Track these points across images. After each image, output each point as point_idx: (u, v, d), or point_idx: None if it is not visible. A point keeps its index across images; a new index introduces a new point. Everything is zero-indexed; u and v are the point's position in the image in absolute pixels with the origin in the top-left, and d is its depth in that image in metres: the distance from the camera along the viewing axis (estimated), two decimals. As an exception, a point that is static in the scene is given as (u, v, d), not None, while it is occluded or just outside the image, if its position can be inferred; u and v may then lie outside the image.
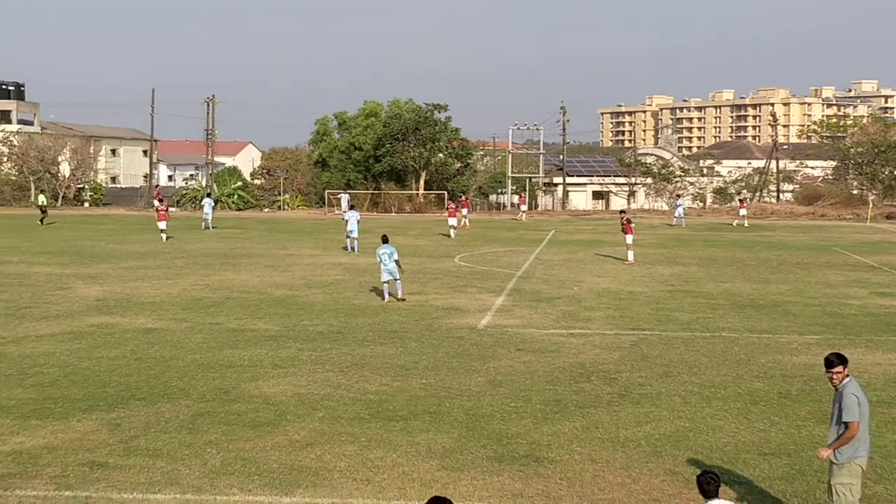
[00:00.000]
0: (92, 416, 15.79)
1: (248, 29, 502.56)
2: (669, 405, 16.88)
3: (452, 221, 55.45)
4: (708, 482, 9.60)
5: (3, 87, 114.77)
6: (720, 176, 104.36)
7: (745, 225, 67.11)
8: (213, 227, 57.81)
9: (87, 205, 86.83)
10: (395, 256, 29.08)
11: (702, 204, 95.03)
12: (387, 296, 28.89)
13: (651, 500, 12.36)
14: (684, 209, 72.51)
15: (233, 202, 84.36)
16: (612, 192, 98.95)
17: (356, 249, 43.76)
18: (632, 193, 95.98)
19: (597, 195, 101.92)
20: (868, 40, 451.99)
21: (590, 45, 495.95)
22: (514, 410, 16.44)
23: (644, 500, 12.36)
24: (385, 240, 29.85)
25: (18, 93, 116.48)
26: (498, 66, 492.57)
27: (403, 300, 28.65)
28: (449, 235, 54.11)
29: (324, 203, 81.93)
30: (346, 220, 45.87)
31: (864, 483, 11.10)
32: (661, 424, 15.67)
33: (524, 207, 77.66)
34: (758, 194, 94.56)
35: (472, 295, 30.40)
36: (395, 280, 29.05)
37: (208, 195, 64.31)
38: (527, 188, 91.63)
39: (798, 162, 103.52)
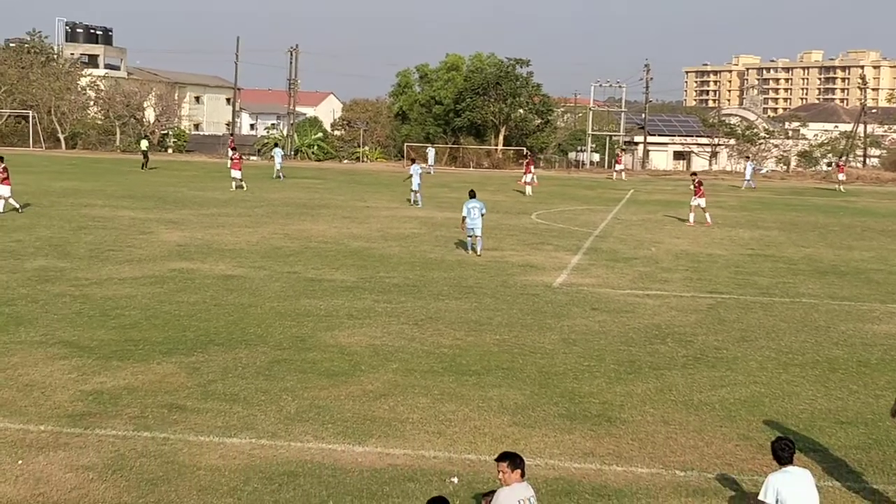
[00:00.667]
0: (171, 360, 16.10)
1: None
2: (745, 370, 16.71)
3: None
4: (783, 448, 9.53)
5: (92, 31, 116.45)
6: (805, 139, 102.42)
7: (842, 190, 65.82)
8: (283, 177, 58.15)
9: (170, 151, 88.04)
10: (484, 211, 29.17)
11: (786, 167, 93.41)
12: (470, 250, 28.95)
13: (724, 464, 12.28)
14: (753, 171, 71.05)
15: (313, 153, 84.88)
16: (693, 152, 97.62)
17: (419, 202, 44.03)
18: (714, 154, 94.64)
19: (678, 155, 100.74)
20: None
21: (676, 1, 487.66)
22: (587, 369, 16.41)
23: (717, 464, 12.28)
24: (473, 194, 29.77)
25: (106, 37, 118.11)
26: (582, 22, 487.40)
27: (480, 256, 28.69)
28: (524, 192, 53.72)
29: (402, 156, 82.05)
30: (411, 175, 45.69)
31: None
32: (737, 389, 15.52)
33: (620, 167, 75.62)
34: (844, 158, 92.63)
35: (548, 252, 30.30)
36: (478, 236, 29.07)
37: (276, 145, 64.49)
38: (606, 146, 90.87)
39: (886, 127, 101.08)
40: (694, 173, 47.73)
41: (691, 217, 40.27)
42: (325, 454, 12.17)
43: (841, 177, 68.48)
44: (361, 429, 13.08)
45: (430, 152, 74.21)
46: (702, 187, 40.79)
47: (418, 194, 44.52)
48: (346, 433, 12.90)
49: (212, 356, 16.42)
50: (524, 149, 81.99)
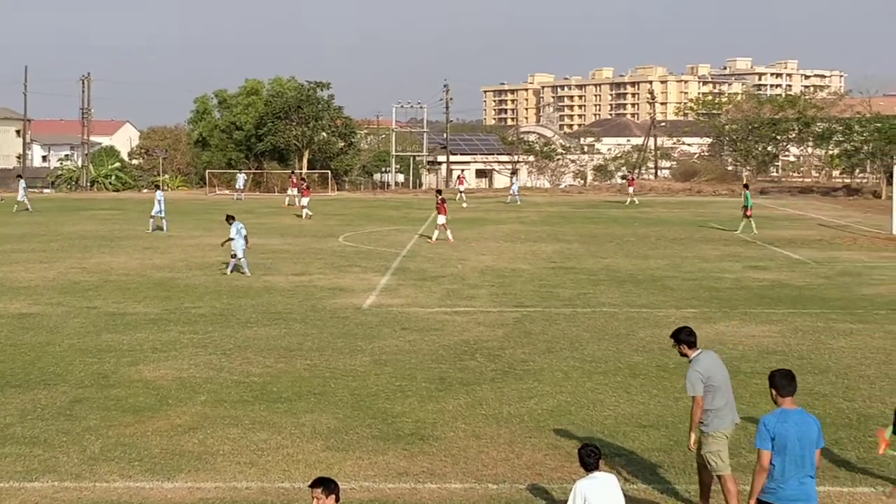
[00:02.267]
0: (-36, 405, 15.32)
1: (123, 3, 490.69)
2: (552, 380, 17.14)
3: (304, 201, 53.19)
4: (589, 455, 9.79)
5: None
6: (600, 153, 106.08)
7: (636, 202, 67.71)
8: (29, 209, 54.87)
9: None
10: (244, 232, 30.07)
11: (583, 181, 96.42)
12: (231, 270, 29.89)
13: (534, 474, 12.55)
14: (518, 187, 71.66)
15: (110, 183, 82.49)
16: (495, 170, 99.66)
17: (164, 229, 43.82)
18: (514, 172, 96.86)
19: (480, 173, 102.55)
20: (742, 19, 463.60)
21: (473, 22, 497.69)
22: (399, 389, 16.50)
23: (527, 474, 12.54)
24: (232, 219, 30.54)
25: None
26: (381, 44, 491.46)
27: (249, 275, 29.42)
28: (301, 216, 51.87)
29: (205, 183, 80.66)
30: (159, 201, 45.13)
31: (731, 450, 11.42)
32: (544, 399, 15.90)
33: (462, 188, 72.07)
34: (636, 171, 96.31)
35: (356, 274, 30.35)
36: (241, 258, 29.87)
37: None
38: (410, 166, 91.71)
39: (675, 139, 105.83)
40: (439, 191, 46.46)
41: (435, 234, 40.25)
42: (133, 493, 11.82)
43: (631, 189, 70.27)
44: (170, 464, 12.77)
45: (240, 178, 73.01)
46: (445, 204, 40.85)
47: (163, 220, 44.24)
48: (154, 470, 12.56)
49: (8, 398, 15.72)
50: (328, 171, 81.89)
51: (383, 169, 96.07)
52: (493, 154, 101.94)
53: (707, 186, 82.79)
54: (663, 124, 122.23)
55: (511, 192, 69.80)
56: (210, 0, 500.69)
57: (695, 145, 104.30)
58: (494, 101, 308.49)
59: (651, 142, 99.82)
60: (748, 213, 44.64)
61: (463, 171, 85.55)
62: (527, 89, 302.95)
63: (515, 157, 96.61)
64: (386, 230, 45.97)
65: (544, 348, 19.71)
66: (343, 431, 14.18)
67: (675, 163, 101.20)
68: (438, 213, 40.73)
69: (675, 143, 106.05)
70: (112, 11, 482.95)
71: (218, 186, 79.85)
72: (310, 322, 22.38)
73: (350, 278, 29.49)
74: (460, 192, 70.77)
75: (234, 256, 29.92)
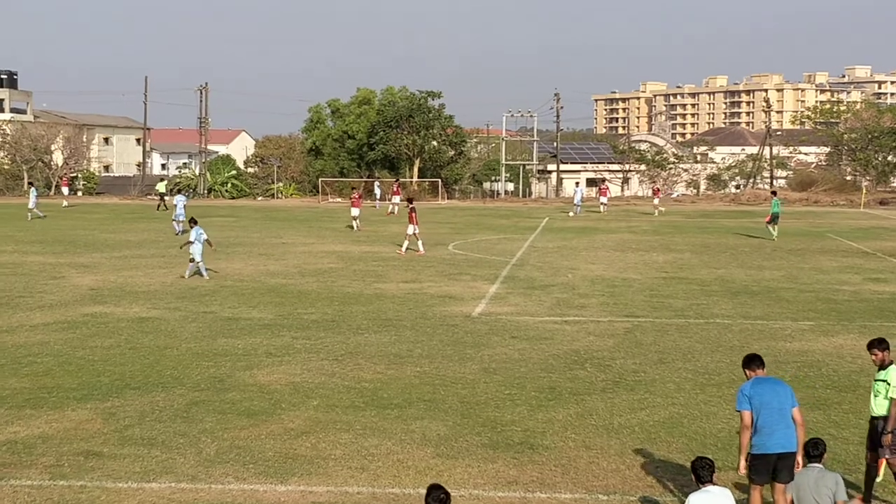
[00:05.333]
0: (86, 406, 15.79)
1: (241, 16, 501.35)
2: (664, 392, 16.92)
3: (355, 212, 49.95)
4: (702, 467, 9.64)
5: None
6: (714, 162, 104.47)
7: (663, 210, 65.63)
8: (41, 215, 55.31)
9: (80, 193, 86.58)
10: (205, 237, 30.92)
11: (695, 191, 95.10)
12: (190, 274, 30.64)
13: (646, 486, 12.40)
14: (581, 196, 67.92)
15: (226, 191, 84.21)
16: (605, 179, 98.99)
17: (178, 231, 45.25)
18: (626, 180, 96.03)
19: (591, 182, 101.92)
20: (862, 26, 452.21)
21: (584, 32, 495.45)
22: (508, 398, 16.47)
23: (639, 486, 12.39)
24: (194, 223, 31.88)
25: (11, 81, 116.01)
26: (492, 54, 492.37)
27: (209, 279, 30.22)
28: (352, 227, 49.40)
29: (317, 191, 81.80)
30: (175, 205, 47.04)
31: None
32: (656, 411, 15.70)
33: (604, 199, 69.05)
34: (751, 181, 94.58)
35: (466, 283, 30.41)
36: (199, 261, 30.74)
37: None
38: (520, 175, 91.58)
39: (791, 148, 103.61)
40: (409, 200, 44.12)
41: (404, 245, 38.85)
42: (247, 495, 12.02)
43: (656, 201, 68.01)
44: (283, 467, 12.95)
45: (377, 188, 71.90)
46: (415, 213, 39.38)
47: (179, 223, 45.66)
48: (268, 473, 12.76)
49: (128, 401, 16.14)
50: (438, 180, 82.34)
51: (493, 178, 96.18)
52: (603, 163, 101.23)
53: (825, 196, 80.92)
54: (779, 133, 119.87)
55: (575, 202, 66.16)
56: (323, 16, 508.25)
57: (812, 154, 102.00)
58: (605, 109, 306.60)
59: (767, 151, 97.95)
60: (767, 220, 45.93)
61: (604, 180, 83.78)
62: (638, 98, 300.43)
63: (627, 166, 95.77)
64: (495, 238, 45.98)
65: (656, 359, 19.47)
66: (453, 439, 14.20)
67: (791, 172, 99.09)
68: (409, 222, 38.99)
69: (791, 153, 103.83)
70: (229, 23, 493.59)
71: (331, 195, 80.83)
72: (420, 329, 22.49)
73: (460, 286, 29.57)
74: (602, 203, 68.14)
75: (192, 261, 30.78)
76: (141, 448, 13.70)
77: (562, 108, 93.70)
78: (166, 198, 65.91)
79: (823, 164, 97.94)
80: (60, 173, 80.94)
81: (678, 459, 13.21)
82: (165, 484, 12.34)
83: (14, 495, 11.94)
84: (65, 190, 72.13)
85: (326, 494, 12.05)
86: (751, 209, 70.50)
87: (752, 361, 11.30)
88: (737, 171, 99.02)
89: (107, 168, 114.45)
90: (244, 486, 12.32)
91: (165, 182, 72.98)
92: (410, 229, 38.90)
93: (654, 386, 17.33)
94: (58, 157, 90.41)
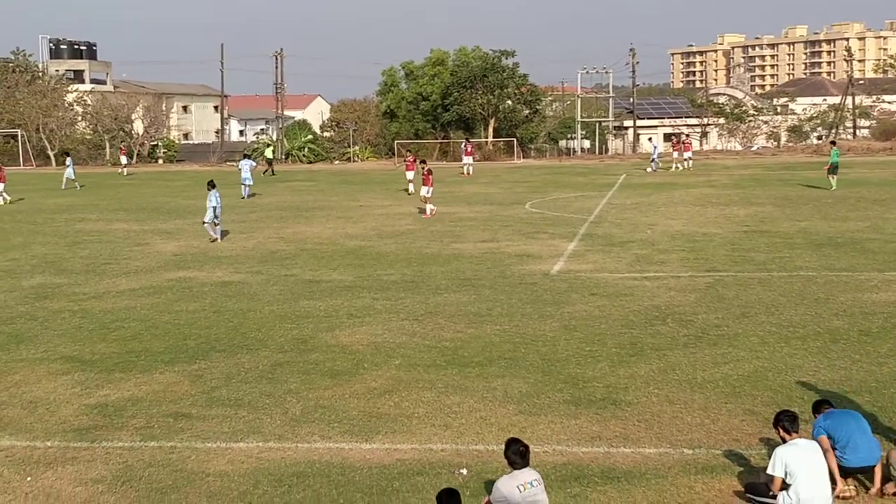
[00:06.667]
0: (174, 368, 16.11)
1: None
2: (747, 346, 16.75)
3: (410, 175, 48.70)
4: (788, 419, 9.55)
5: (76, 46, 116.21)
6: (794, 114, 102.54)
7: (689, 168, 62.45)
8: (78, 186, 55.03)
9: (161, 161, 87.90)
10: (214, 203, 31.36)
11: (776, 143, 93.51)
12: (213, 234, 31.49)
13: (731, 439, 12.31)
14: (659, 153, 64.94)
15: (303, 155, 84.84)
16: (687, 134, 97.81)
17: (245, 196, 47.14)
18: (704, 134, 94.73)
19: (668, 137, 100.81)
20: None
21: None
22: (589, 354, 16.43)
23: (724, 440, 12.31)
24: (212, 185, 31.95)
25: (91, 52, 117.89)
26: (565, 10, 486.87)
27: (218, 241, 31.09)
28: (407, 190, 48.08)
29: (393, 154, 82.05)
30: (240, 169, 48.44)
31: None
32: (739, 365, 15.55)
33: (688, 154, 65.06)
34: (834, 131, 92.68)
35: (543, 241, 30.32)
36: (215, 223, 31.55)
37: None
38: (596, 132, 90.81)
39: (875, 97, 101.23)
40: (423, 161, 42.81)
41: (428, 208, 38.03)
42: (333, 453, 12.19)
43: (687, 154, 64.41)
44: (368, 426, 13.10)
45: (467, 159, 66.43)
46: (431, 175, 38.58)
47: (247, 188, 47.72)
48: (353, 431, 12.92)
49: (214, 363, 16.43)
50: (514, 139, 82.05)
51: (569, 136, 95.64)
52: (681, 118, 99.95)
53: (910, 145, 78.99)
54: (861, 82, 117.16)
55: (652, 158, 63.67)
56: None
57: (895, 103, 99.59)
58: (682, 63, 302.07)
59: (849, 101, 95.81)
60: (827, 169, 45.75)
61: (688, 135, 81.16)
62: (716, 50, 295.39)
63: (705, 120, 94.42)
64: (572, 196, 45.73)
65: (738, 313, 19.26)
66: (535, 395, 14.23)
67: (874, 122, 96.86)
68: (424, 184, 38.34)
69: (874, 102, 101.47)
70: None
71: (406, 157, 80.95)
72: (498, 288, 22.50)
73: (537, 245, 29.49)
74: (687, 158, 64.46)
75: (206, 222, 31.70)
76: (228, 409, 13.95)
77: (637, 63, 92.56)
78: (273, 164, 68.54)
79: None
80: (120, 143, 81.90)
81: (764, 413, 13.07)
82: (253, 444, 12.56)
83: (107, 457, 12.26)
84: (123, 159, 73.01)
85: (411, 451, 12.17)
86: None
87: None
88: (818, 121, 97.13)
89: (186, 136, 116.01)
90: (330, 444, 12.48)
91: (272, 147, 74.23)
92: (424, 191, 38.27)
93: (738, 340, 17.15)
94: (138, 126, 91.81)
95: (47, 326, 19.50)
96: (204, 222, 31.94)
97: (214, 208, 31.32)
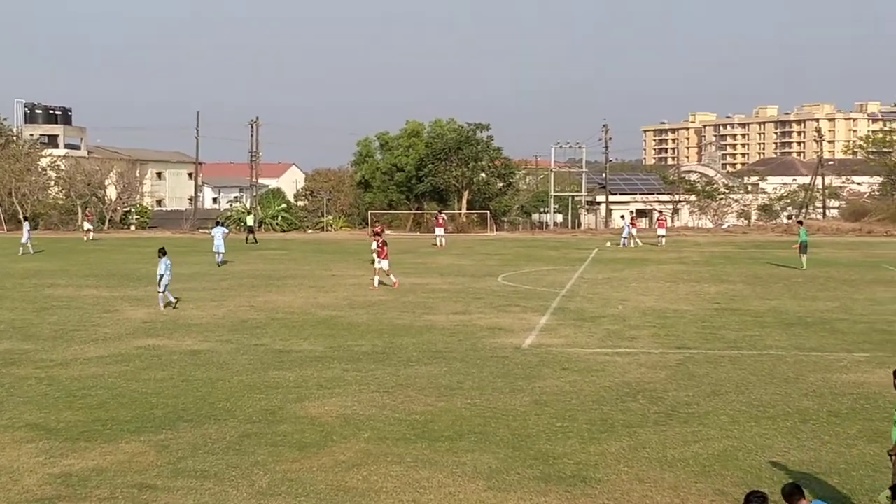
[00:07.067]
0: (140, 438, 15.91)
1: (289, 53, 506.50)
2: (717, 424, 16.74)
3: (384, 263, 46.16)
4: (758, 501, 9.50)
5: (51, 111, 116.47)
6: (765, 193, 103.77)
7: (662, 245, 62.56)
8: (31, 251, 54.29)
9: (133, 228, 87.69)
10: (161, 271, 31.77)
11: (747, 221, 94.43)
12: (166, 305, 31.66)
13: (700, 520, 12.24)
14: (629, 231, 64.68)
15: (277, 224, 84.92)
16: (655, 210, 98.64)
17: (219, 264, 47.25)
18: (675, 211, 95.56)
19: (640, 213, 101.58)
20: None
21: (631, 63, 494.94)
22: (560, 430, 16.37)
23: (693, 520, 12.23)
24: (162, 252, 32.37)
25: (65, 117, 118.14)
26: (539, 86, 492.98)
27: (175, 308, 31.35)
28: (373, 261, 44.23)
29: (366, 224, 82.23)
30: (213, 237, 48.71)
31: None
32: (710, 444, 15.53)
33: (662, 232, 65.22)
34: (804, 210, 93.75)
35: (515, 314, 30.34)
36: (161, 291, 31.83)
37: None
38: (569, 206, 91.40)
39: (844, 178, 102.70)
40: (377, 233, 42.65)
41: (376, 280, 37.92)
42: (300, 528, 12.02)
43: (660, 231, 64.63)
44: (335, 500, 12.95)
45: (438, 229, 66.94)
46: (386, 247, 38.78)
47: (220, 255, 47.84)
48: (320, 505, 12.75)
49: (181, 433, 16.24)
50: (487, 211, 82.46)
51: (542, 209, 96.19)
52: (653, 193, 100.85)
53: (878, 226, 79.93)
54: (831, 163, 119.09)
55: (623, 234, 64.75)
56: (371, 52, 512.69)
57: (865, 184, 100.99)
58: (655, 140, 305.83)
59: (819, 181, 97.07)
60: (798, 248, 46.36)
61: (661, 212, 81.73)
62: (688, 128, 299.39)
63: (677, 197, 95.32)
64: (545, 270, 45.88)
65: (709, 391, 19.28)
66: (504, 471, 14.13)
67: (844, 202, 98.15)
68: (380, 256, 38.18)
69: (843, 183, 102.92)
70: (279, 62, 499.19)
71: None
72: (470, 361, 22.45)
73: (510, 318, 29.50)
74: (659, 235, 64.81)
75: (159, 291, 31.93)
76: (194, 480, 13.77)
77: (610, 139, 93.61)
78: (254, 230, 68.97)
79: (877, 193, 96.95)
80: (85, 209, 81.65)
81: (733, 493, 13.03)
82: (218, 516, 12.37)
83: (69, 527, 12.03)
84: (86, 224, 72.55)
85: (378, 527, 12.01)
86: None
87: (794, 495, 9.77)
88: (788, 201, 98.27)
89: (159, 202, 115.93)
90: (296, 518, 12.31)
91: (252, 215, 74.51)
92: (383, 264, 38.03)
93: (708, 418, 17.15)
94: (111, 192, 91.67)
95: (13, 393, 19.25)
96: (159, 291, 31.96)
97: (161, 276, 31.68)
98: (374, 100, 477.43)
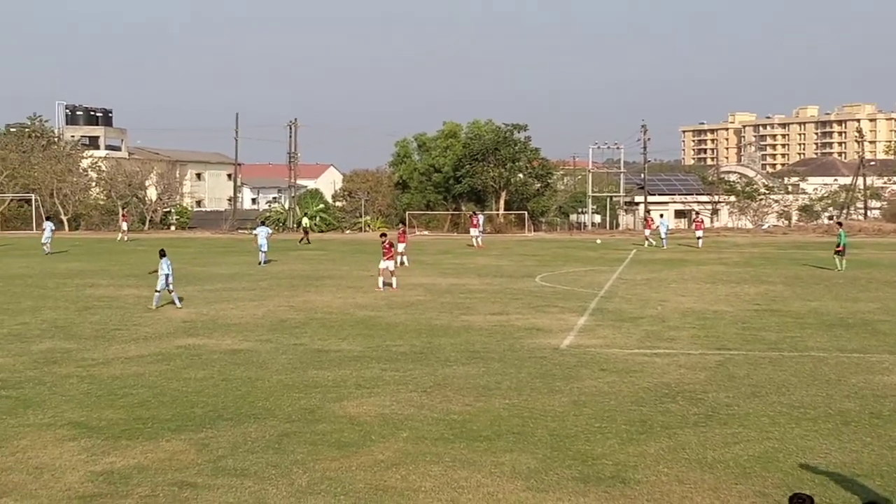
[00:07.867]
0: (180, 437, 16.03)
1: (328, 52, 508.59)
2: (758, 426, 16.61)
3: (401, 248, 48.07)
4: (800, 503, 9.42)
5: (92, 113, 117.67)
6: (805, 193, 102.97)
7: (699, 246, 62.08)
8: (49, 252, 54.73)
9: (173, 228, 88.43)
10: (166, 271, 32.03)
11: (787, 222, 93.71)
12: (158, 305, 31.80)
13: (741, 522, 12.16)
14: (667, 229, 65.78)
15: (315, 224, 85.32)
16: (694, 210, 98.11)
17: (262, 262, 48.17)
18: (715, 212, 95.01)
19: (679, 214, 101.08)
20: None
21: (670, 63, 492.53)
22: (598, 430, 16.31)
23: (733, 522, 12.16)
24: (163, 254, 32.67)
25: (106, 119, 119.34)
26: (578, 86, 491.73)
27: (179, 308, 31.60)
28: (402, 262, 46.92)
29: (404, 224, 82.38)
30: (256, 236, 49.55)
31: None
32: (750, 445, 15.42)
33: (699, 233, 64.78)
34: (845, 211, 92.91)
35: (554, 315, 30.27)
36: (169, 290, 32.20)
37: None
38: (607, 207, 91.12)
39: (886, 178, 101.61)
40: (383, 234, 42.57)
41: (380, 281, 37.58)
42: (339, 526, 12.05)
43: (698, 233, 64.39)
44: (374, 499, 12.98)
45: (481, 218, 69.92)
46: (392, 248, 38.60)
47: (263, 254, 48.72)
48: (359, 504, 12.80)
49: (221, 432, 16.34)
50: (525, 212, 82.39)
51: (580, 210, 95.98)
52: (691, 194, 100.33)
53: (921, 227, 79.11)
54: (873, 163, 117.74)
55: (661, 234, 64.43)
56: (409, 51, 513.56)
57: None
58: (693, 140, 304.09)
59: (860, 181, 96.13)
60: (838, 250, 45.39)
61: (698, 213, 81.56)
62: (727, 129, 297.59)
63: (716, 198, 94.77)
64: (583, 270, 45.76)
65: (749, 392, 19.14)
66: (543, 472, 14.10)
67: (885, 203, 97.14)
68: (385, 257, 38.07)
69: (885, 183, 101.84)
70: (319, 61, 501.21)
71: (417, 227, 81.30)
72: (508, 361, 22.43)
73: (548, 318, 29.44)
74: (698, 237, 64.33)
75: (157, 291, 32.03)
76: (234, 479, 13.85)
77: (649, 139, 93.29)
78: (309, 233, 70.88)
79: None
80: (123, 209, 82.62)
81: (774, 495, 12.94)
82: (258, 514, 12.43)
83: (111, 524, 12.14)
84: (123, 225, 73.35)
85: (417, 526, 12.03)
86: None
87: None
88: (829, 201, 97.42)
89: (199, 203, 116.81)
90: (335, 517, 12.35)
91: (307, 217, 75.91)
92: (388, 264, 37.98)
93: (748, 420, 17.02)
94: (152, 193, 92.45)
95: (55, 392, 19.46)
96: (157, 291, 32.14)
97: (167, 276, 31.92)
98: (413, 101, 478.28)
